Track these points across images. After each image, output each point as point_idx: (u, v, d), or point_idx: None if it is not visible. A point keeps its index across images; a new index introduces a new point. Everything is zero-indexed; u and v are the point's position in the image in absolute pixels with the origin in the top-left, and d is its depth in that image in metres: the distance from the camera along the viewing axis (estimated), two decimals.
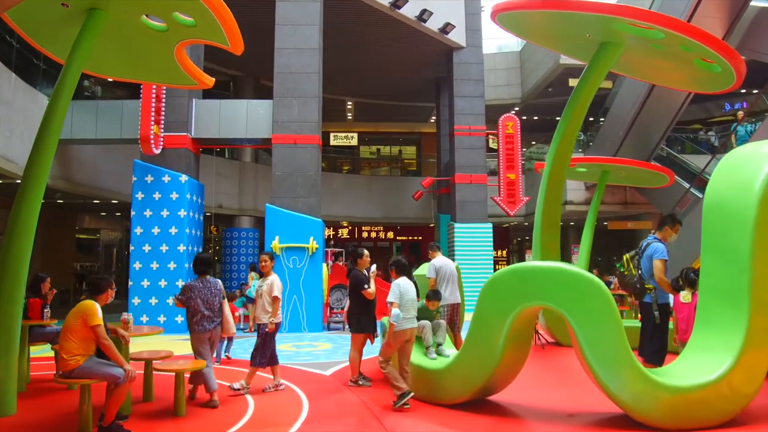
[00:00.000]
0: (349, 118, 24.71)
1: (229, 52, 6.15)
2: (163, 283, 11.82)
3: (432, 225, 21.95)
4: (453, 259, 16.78)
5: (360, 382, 6.39)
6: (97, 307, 4.68)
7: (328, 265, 15.39)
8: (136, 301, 11.80)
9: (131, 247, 11.93)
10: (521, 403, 5.57)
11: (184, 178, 12.07)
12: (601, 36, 7.50)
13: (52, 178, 12.48)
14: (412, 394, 5.32)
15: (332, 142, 25.28)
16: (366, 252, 6.68)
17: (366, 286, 6.45)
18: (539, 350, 8.90)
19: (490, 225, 16.97)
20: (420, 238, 24.62)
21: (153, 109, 11.28)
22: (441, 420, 5.10)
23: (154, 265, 11.84)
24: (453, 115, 17.26)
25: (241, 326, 11.64)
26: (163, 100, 11.85)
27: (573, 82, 19.19)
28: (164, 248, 11.89)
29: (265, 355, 6.06)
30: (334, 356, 8.82)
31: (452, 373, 5.40)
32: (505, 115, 17.69)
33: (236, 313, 10.92)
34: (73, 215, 19.58)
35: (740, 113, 12.27)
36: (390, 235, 25.03)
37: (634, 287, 5.76)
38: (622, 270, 6.15)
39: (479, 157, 17.17)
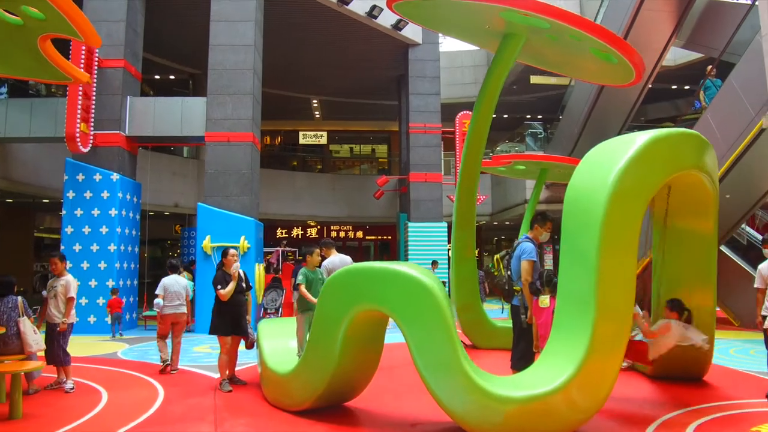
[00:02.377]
0: (318, 116, 24.48)
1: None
2: (93, 283, 11.65)
3: None
4: (407, 259, 16.63)
5: (221, 386, 6.18)
6: None
7: (272, 266, 15.25)
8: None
9: (62, 247, 11.76)
10: (374, 411, 5.37)
11: (115, 176, 11.90)
12: (500, 27, 7.29)
13: None
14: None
15: (301, 141, 25.11)
16: (232, 251, 6.41)
17: (219, 286, 6.17)
18: None
19: (445, 224, 16.73)
20: (389, 237, 24.38)
21: (80, 106, 11.09)
22: (277, 427, 4.91)
23: (85, 265, 11.67)
24: (408, 113, 17.05)
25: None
26: (93, 98, 11.67)
27: (535, 79, 18.97)
28: (95, 248, 11.72)
29: (67, 352, 6.25)
30: (247, 357, 8.63)
31: (296, 378, 5.20)
32: (462, 112, 17.47)
33: None
34: (30, 215, 19.41)
35: (710, 67, 12.09)
36: (359, 234, 24.82)
37: (502, 288, 5.55)
38: (492, 271, 5.94)
39: (434, 155, 16.96)
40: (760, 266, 5.90)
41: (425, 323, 4.45)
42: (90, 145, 11.58)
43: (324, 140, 25.10)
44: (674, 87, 20.51)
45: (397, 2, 7.03)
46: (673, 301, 5.86)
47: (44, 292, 6.70)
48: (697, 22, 12.97)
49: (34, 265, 20.28)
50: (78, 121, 11.06)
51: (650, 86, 14.89)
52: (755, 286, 5.92)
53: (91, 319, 11.55)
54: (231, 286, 6.22)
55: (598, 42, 6.34)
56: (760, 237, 12.40)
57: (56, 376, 6.41)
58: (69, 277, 6.47)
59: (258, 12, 12.70)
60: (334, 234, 24.59)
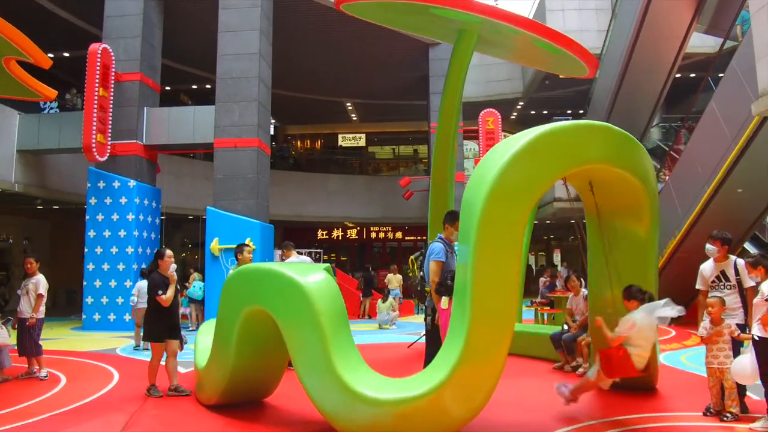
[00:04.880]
0: (354, 119, 24.77)
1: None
2: (113, 283, 12.46)
3: None
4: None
5: (151, 392, 5.94)
6: None
7: None
8: (89, 300, 12.52)
9: (85, 250, 12.66)
10: (288, 409, 5.45)
11: (132, 183, 12.66)
12: (452, 23, 7.24)
13: (26, 186, 13.48)
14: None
15: (340, 143, 25.50)
16: (169, 252, 6.22)
17: (160, 291, 5.88)
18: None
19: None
20: (424, 238, 24.26)
21: (95, 118, 11.89)
22: (181, 419, 5.14)
23: (105, 267, 12.50)
24: (429, 113, 16.96)
25: (191, 327, 12.08)
26: (110, 110, 12.48)
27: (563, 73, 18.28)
28: (114, 250, 12.53)
29: (38, 344, 6.75)
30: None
31: (207, 374, 5.41)
32: (485, 110, 17.16)
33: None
34: (76, 220, 20.82)
35: None
36: (399, 235, 24.87)
37: (415, 290, 5.49)
38: (408, 272, 5.88)
39: (456, 155, 16.71)
40: (702, 266, 5.48)
41: (299, 323, 4.52)
42: (107, 154, 12.39)
43: (363, 142, 25.37)
44: (721, 75, 19.08)
45: (345, 3, 7.13)
46: (628, 289, 5.10)
47: (18, 291, 7.27)
48: (717, 6, 12.09)
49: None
50: (94, 132, 11.87)
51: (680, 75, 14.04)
52: (696, 287, 5.51)
53: (111, 317, 12.36)
54: (171, 291, 5.97)
55: (526, 33, 6.17)
56: None
57: (27, 366, 6.96)
58: (40, 277, 7.02)
59: (264, 21, 13.08)
60: (373, 235, 24.82)
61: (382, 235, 24.76)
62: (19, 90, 7.28)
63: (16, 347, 6.96)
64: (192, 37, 15.63)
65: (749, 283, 4.99)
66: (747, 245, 11.18)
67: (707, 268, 5.41)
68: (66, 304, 18.65)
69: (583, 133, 4.76)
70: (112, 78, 12.52)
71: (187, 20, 14.97)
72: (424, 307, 5.68)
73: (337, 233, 24.90)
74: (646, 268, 5.59)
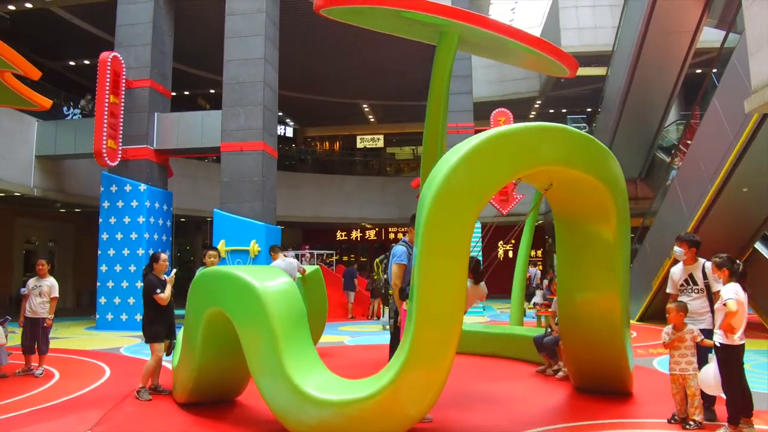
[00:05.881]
0: (372, 120, 24.87)
1: None
2: (124, 284, 12.85)
3: None
4: None
5: (141, 394, 6.00)
6: None
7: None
8: (102, 300, 12.94)
9: (99, 252, 13.09)
10: (257, 408, 5.56)
11: (143, 186, 13.03)
12: (432, 26, 7.26)
13: (44, 190, 14.03)
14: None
15: (359, 145, 25.64)
16: (164, 256, 6.39)
17: (158, 290, 6.07)
18: None
19: (479, 224, 16.37)
20: None
21: (105, 124, 12.28)
22: (153, 417, 5.30)
23: (117, 268, 12.91)
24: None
25: None
26: (121, 116, 12.86)
27: (580, 71, 17.96)
28: (126, 252, 12.92)
29: (48, 343, 7.01)
30: None
31: (178, 372, 5.57)
32: (497, 109, 17.02)
33: None
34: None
35: None
36: None
37: (380, 292, 5.54)
38: (373, 275, 5.93)
39: None
40: (672, 270, 5.36)
41: (252, 324, 4.64)
42: (118, 159, 12.78)
43: (381, 143, 25.45)
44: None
45: (324, 8, 7.23)
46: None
47: (22, 290, 7.55)
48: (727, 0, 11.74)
49: None
50: (105, 138, 12.26)
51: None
52: (667, 290, 5.39)
53: (123, 317, 12.75)
54: (169, 290, 6.14)
55: (501, 37, 6.14)
56: None
57: (25, 363, 7.27)
58: (53, 280, 7.34)
59: (269, 27, 13.28)
60: (391, 236, 24.86)
61: (400, 235, 24.71)
62: (16, 100, 7.60)
63: (20, 346, 7.31)
64: (208, 42, 15.97)
65: (717, 286, 4.86)
66: (758, 246, 10.80)
67: (676, 271, 5.28)
68: (89, 304, 19.23)
69: (534, 135, 4.71)
70: (123, 85, 12.90)
71: (204, 26, 15.31)
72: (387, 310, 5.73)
73: (355, 234, 25.05)
74: (615, 271, 5.48)
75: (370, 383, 4.43)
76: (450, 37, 7.22)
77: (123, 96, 12.89)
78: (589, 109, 20.93)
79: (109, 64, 12.40)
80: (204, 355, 5.11)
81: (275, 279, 4.93)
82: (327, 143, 26.16)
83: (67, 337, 11.35)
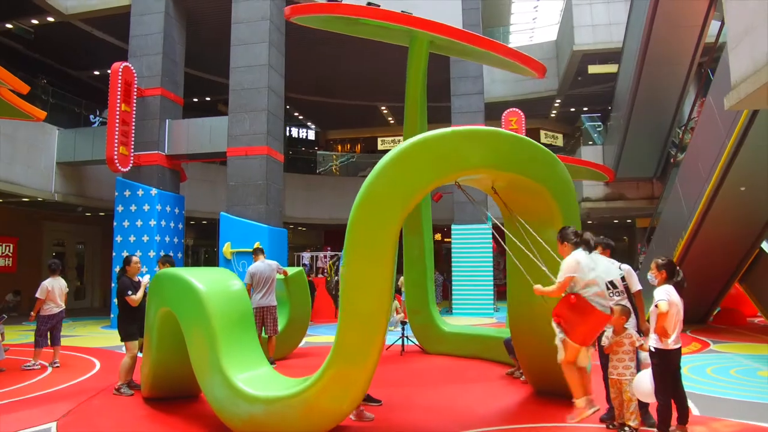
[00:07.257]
0: (392, 122, 24.98)
1: None
2: None
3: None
4: (450, 262, 16.48)
5: (122, 390, 6.24)
6: None
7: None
8: (117, 301, 13.45)
9: (113, 254, 13.65)
10: None
11: (154, 191, 13.53)
12: (399, 31, 7.37)
13: (65, 195, 14.72)
14: None
15: (380, 147, 25.78)
16: (135, 258, 6.89)
17: (130, 292, 6.41)
18: (397, 356, 8.72)
19: (489, 226, 16.30)
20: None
21: (117, 132, 12.82)
22: (115, 410, 5.59)
23: None
24: (451, 114, 16.89)
25: None
26: (133, 123, 13.40)
27: (592, 69, 17.67)
28: (138, 254, 13.41)
29: (39, 339, 7.65)
30: None
31: (142, 369, 5.85)
32: (509, 110, 16.88)
33: None
34: None
35: None
36: (437, 236, 24.79)
37: (331, 293, 5.68)
38: (326, 277, 6.07)
39: None
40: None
41: (194, 323, 4.86)
42: (130, 165, 13.30)
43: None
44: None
45: (295, 17, 7.43)
46: (563, 230, 5.03)
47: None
48: None
49: None
50: (116, 144, 12.80)
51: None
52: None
53: None
54: (141, 293, 6.44)
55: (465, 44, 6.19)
56: None
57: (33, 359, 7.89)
58: (47, 280, 8.18)
59: (274, 33, 13.58)
60: None
61: None
62: (12, 112, 8.07)
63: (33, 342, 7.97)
64: (226, 50, 16.44)
65: (637, 287, 4.85)
66: (765, 246, 10.42)
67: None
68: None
69: (458, 141, 4.75)
70: (135, 94, 13.42)
71: (221, 35, 15.76)
72: None
73: None
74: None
75: (302, 381, 4.58)
76: (420, 41, 7.32)
77: (135, 104, 13.41)
78: (609, 108, 20.48)
79: (120, 74, 12.93)
80: (159, 351, 5.36)
81: (222, 281, 5.13)
82: (348, 145, 26.41)
83: (80, 335, 11.91)
